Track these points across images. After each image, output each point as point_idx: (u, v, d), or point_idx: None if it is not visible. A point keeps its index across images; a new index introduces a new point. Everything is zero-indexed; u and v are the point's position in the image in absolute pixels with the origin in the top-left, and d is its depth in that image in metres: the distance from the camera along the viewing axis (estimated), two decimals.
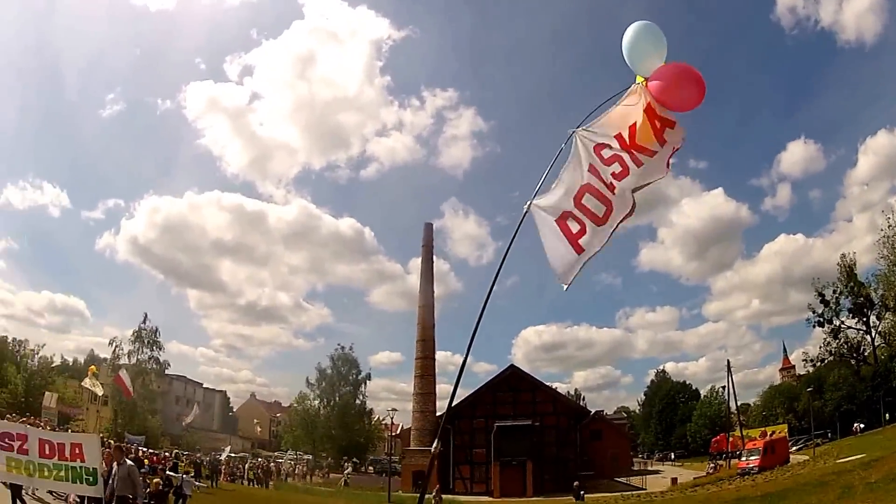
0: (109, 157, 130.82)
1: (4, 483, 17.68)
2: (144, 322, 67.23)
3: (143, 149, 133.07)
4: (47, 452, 13.85)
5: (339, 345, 78.35)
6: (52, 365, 76.79)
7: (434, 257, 59.76)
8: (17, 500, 14.41)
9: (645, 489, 39.39)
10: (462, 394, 59.37)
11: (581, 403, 75.71)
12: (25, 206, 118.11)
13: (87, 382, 22.03)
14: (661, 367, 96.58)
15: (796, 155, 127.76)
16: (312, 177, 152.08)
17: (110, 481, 13.28)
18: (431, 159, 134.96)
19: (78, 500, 15.75)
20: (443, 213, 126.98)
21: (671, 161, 5.49)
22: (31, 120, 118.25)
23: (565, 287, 5.47)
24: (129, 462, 13.60)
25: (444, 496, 38.43)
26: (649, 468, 58.14)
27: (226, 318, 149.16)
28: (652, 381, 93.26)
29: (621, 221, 5.38)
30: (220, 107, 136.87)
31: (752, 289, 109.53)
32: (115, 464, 13.45)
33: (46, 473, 13.87)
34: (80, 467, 13.85)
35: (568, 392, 75.49)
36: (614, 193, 5.40)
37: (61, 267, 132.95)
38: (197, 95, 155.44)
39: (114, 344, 67.19)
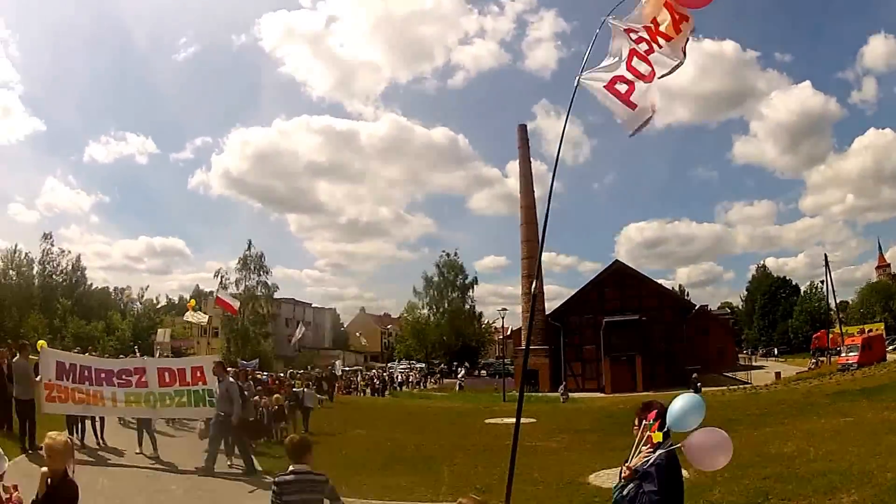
0: (190, 98, 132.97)
1: (127, 421, 18.13)
2: (249, 249, 69.38)
3: (223, 85, 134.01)
4: (167, 380, 14.12)
5: (443, 251, 79.47)
6: (158, 306, 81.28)
7: (531, 159, 58.69)
8: (144, 433, 14.42)
9: (751, 383, 40.09)
10: (567, 293, 59.02)
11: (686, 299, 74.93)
12: (111, 159, 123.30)
13: (188, 316, 22.31)
14: (762, 263, 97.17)
15: (878, 49, 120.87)
16: (400, 91, 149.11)
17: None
18: (518, 63, 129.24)
19: (203, 425, 15.90)
20: (535, 115, 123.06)
21: (685, 49, 6.75)
22: (106, 75, 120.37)
23: (630, 134, 6.80)
24: (230, 379, 13.72)
25: (552, 394, 38.67)
26: (753, 364, 58.61)
27: (328, 238, 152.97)
28: (753, 276, 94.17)
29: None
30: (296, 34, 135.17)
31: (845, 183, 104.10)
32: (217, 381, 13.64)
33: (168, 402, 14.13)
34: (203, 390, 14.06)
35: (672, 288, 74.48)
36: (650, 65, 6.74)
37: (155, 211, 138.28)
38: (272, 27, 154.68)
39: (220, 275, 69.66)
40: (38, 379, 13.49)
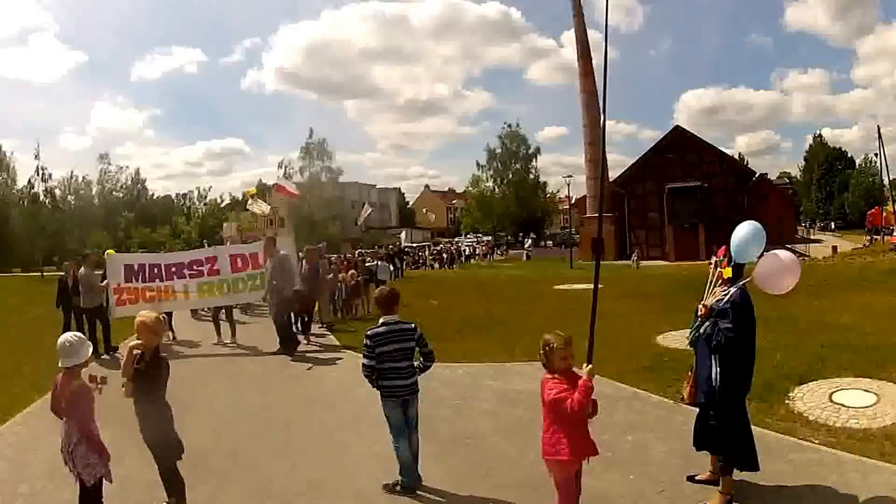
0: (232, 4, 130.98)
1: (200, 314, 18.46)
2: (311, 136, 70.22)
3: None
4: (240, 265, 14.20)
5: (505, 123, 78.58)
6: (223, 205, 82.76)
7: (587, 29, 56.25)
8: (222, 322, 14.63)
9: (809, 256, 39.96)
10: (629, 161, 57.86)
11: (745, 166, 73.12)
12: (159, 74, 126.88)
13: (250, 205, 22.13)
14: (818, 133, 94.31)
15: None
16: None
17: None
18: None
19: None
20: None
21: None
22: None
23: None
24: (281, 252, 13.71)
25: (618, 262, 38.76)
26: (811, 237, 58.55)
27: (388, 120, 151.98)
28: (810, 146, 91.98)
29: None
30: None
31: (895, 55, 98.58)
32: (268, 259, 13.57)
33: (241, 286, 14.23)
34: None
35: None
36: None
37: (211, 116, 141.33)
38: None
39: (283, 165, 71.04)
40: (104, 284, 13.57)
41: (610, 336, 12.77)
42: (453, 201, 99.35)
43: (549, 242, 68.14)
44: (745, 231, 5.34)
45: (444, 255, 51.14)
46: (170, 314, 14.59)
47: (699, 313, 5.38)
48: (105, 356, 12.85)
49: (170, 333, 14.44)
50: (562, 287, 23.94)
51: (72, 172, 73.08)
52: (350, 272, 19.53)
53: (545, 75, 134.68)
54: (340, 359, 12.29)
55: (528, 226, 71.78)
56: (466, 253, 56.73)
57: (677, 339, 11.09)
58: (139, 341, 5.42)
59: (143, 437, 5.46)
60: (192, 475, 5.90)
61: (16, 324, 16.49)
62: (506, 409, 8.46)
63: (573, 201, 62.29)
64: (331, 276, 17.52)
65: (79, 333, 5.22)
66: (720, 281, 5.36)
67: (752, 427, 6.52)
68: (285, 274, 13.33)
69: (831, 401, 7.52)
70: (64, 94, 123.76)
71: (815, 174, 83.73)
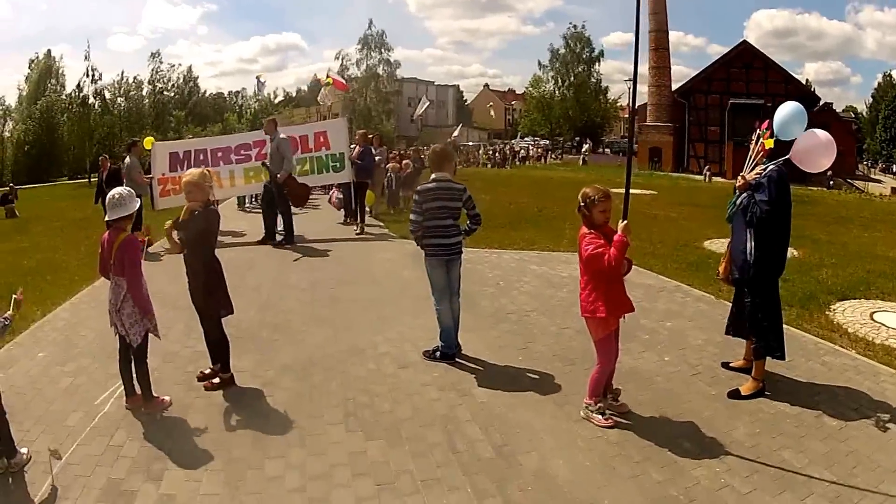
0: None
1: (246, 202, 18.07)
2: (369, 27, 68.37)
3: None
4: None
5: (570, 24, 75.51)
6: (277, 100, 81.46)
7: None
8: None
9: (865, 192, 37.75)
10: (691, 73, 55.35)
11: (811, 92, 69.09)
12: None
13: (322, 96, 21.33)
14: (888, 72, 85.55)
15: None
16: None
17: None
18: None
19: (341, 196, 15.69)
20: None
21: None
22: None
23: None
24: (281, 136, 12.54)
25: (673, 173, 37.74)
26: (871, 176, 56.09)
27: (449, 16, 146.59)
28: (879, 84, 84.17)
29: None
30: None
31: None
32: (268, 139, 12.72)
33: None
34: (326, 156, 13.69)
35: None
36: None
37: (267, 10, 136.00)
38: None
39: (340, 57, 69.05)
40: (148, 177, 13.07)
41: (658, 236, 12.83)
42: (512, 102, 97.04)
43: (608, 150, 66.53)
44: (789, 109, 5.16)
45: (497, 155, 50.57)
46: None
47: (737, 185, 5.29)
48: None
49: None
50: (614, 191, 23.39)
51: (122, 73, 70.64)
52: (404, 161, 19.16)
53: None
54: (390, 244, 12.35)
55: (586, 131, 69.82)
56: (522, 154, 55.87)
57: (724, 246, 10.93)
58: (191, 203, 5.35)
59: (191, 295, 5.56)
60: (237, 346, 6.13)
61: (62, 226, 16.48)
62: (549, 290, 8.59)
63: (635, 107, 60.34)
64: (382, 164, 16.92)
65: (129, 188, 5.22)
66: (761, 155, 5.23)
67: (790, 327, 6.55)
68: (277, 158, 12.45)
69: (872, 319, 7.40)
70: None
71: (882, 113, 78.80)
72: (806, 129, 5.12)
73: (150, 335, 5.10)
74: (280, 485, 4.06)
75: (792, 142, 5.11)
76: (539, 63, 73.86)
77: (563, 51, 71.61)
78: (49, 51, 65.42)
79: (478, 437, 4.60)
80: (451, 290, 6.23)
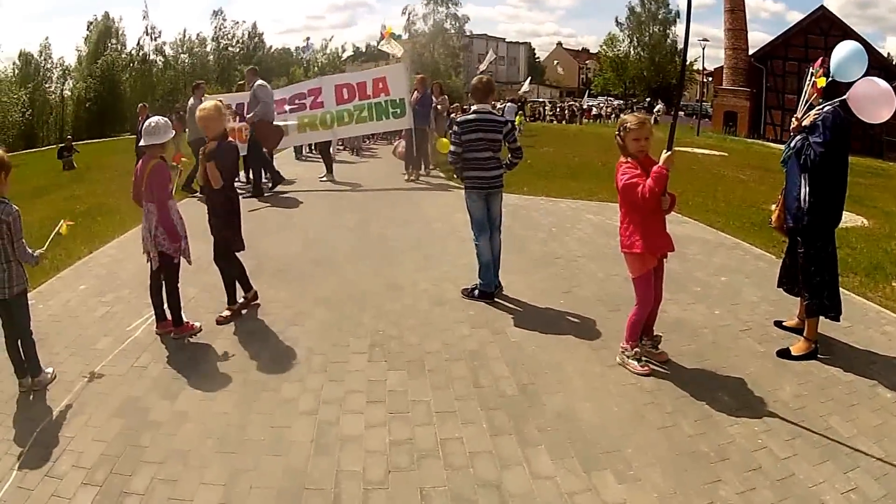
0: None
1: (304, 151, 17.46)
2: None
3: None
4: (346, 97, 12.94)
5: None
6: (344, 56, 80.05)
7: None
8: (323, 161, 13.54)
9: None
10: (765, 38, 52.15)
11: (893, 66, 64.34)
12: None
13: (384, 45, 20.66)
14: None
15: None
16: None
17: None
18: None
19: (402, 144, 14.72)
20: None
21: None
22: None
23: None
24: (258, 81, 12.08)
25: (748, 140, 35.87)
26: None
27: None
28: None
29: None
30: None
31: None
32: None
33: (347, 119, 12.96)
34: (386, 101, 12.91)
35: None
36: None
37: None
38: None
39: (406, 12, 66.36)
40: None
41: (723, 195, 12.12)
42: (586, 62, 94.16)
43: (681, 113, 64.07)
44: (848, 48, 4.56)
45: (566, 112, 49.30)
46: (271, 155, 13.60)
47: (791, 128, 4.75)
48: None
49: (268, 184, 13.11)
50: (683, 149, 22.59)
51: (184, 30, 71.44)
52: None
53: None
54: (447, 192, 11.83)
55: (660, 92, 67.26)
56: (593, 112, 54.02)
57: None
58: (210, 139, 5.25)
59: (212, 230, 5.44)
60: (275, 279, 6.16)
61: (117, 175, 15.95)
62: (602, 238, 8.15)
63: (709, 71, 57.71)
64: (444, 112, 15.68)
65: (164, 118, 5.05)
66: (815, 97, 4.66)
67: (852, 294, 5.98)
68: (254, 105, 11.95)
69: None
70: None
71: None
72: (865, 75, 4.50)
73: (181, 262, 5.08)
74: (293, 407, 3.95)
75: (850, 85, 4.49)
76: (616, 20, 71.40)
77: (639, 9, 68.86)
78: (107, 12, 64.83)
79: (504, 373, 4.33)
80: (492, 225, 5.92)
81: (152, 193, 4.83)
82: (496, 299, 5.81)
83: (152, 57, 59.37)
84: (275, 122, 12.26)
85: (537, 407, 3.89)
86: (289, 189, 12.26)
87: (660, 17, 68.71)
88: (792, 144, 4.69)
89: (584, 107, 53.75)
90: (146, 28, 61.68)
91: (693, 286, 6.22)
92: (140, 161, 5.00)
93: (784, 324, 5.21)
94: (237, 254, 5.52)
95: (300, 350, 4.79)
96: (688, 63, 69.68)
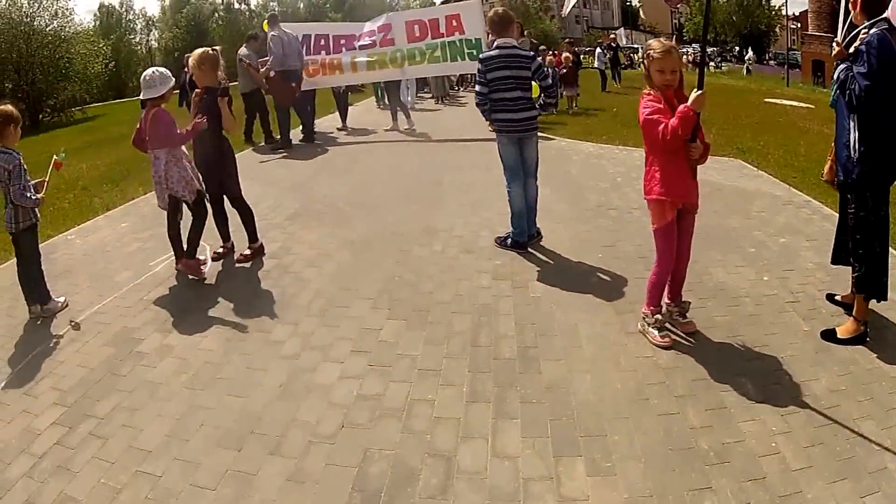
0: None
1: (384, 98, 15.93)
2: None
3: None
4: (417, 35, 11.69)
5: None
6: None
7: None
8: (398, 110, 12.77)
9: None
10: None
11: None
12: None
13: None
14: None
15: None
16: None
17: None
18: None
19: None
20: None
21: None
22: None
23: None
24: (272, 33, 10.89)
25: None
26: None
27: None
28: None
29: None
30: None
31: None
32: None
33: (419, 58, 11.70)
34: (460, 41, 11.38)
35: None
36: None
37: None
38: None
39: None
40: (264, 70, 11.10)
41: (805, 149, 10.93)
42: (678, 6, 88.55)
43: (772, 62, 59.41)
44: None
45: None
46: (345, 108, 13.20)
47: (833, 54, 3.80)
48: (265, 145, 11.13)
49: (342, 124, 12.92)
50: (772, 100, 20.84)
51: None
52: (564, 54, 16.27)
53: None
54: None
55: (750, 39, 62.52)
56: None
57: None
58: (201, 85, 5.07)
59: (205, 182, 5.18)
60: (312, 220, 6.09)
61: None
62: None
63: (796, 14, 52.87)
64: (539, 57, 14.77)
65: (163, 69, 4.87)
66: (853, 14, 3.72)
67: None
68: (280, 56, 10.79)
69: None
70: None
71: None
72: None
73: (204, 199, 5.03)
74: (276, 350, 3.76)
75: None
76: None
77: None
78: None
79: (508, 332, 3.87)
80: (526, 171, 5.33)
81: (158, 141, 4.71)
82: (530, 249, 5.30)
83: (237, 6, 59.39)
84: (339, 57, 11.72)
85: (530, 374, 3.43)
86: (357, 139, 11.75)
87: None
88: (835, 77, 3.74)
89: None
90: None
91: (748, 246, 5.45)
92: (144, 113, 4.83)
93: (836, 298, 4.31)
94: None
95: (307, 292, 4.56)
96: (774, 9, 64.86)
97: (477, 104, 5.32)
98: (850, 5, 3.76)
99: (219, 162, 5.13)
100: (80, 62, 32.78)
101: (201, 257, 5.12)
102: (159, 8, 66.38)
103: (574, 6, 33.79)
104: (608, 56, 22.55)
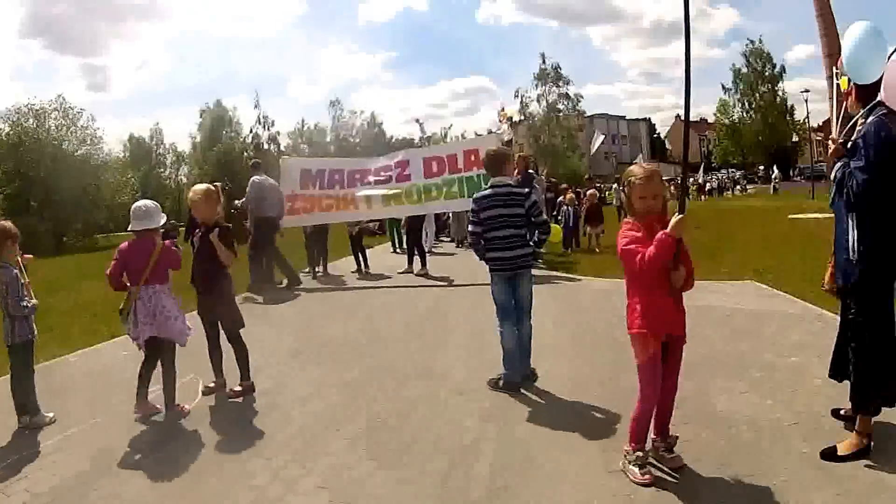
0: None
1: (401, 244, 16.00)
2: (543, 62, 63.28)
3: None
4: (434, 170, 11.56)
5: (748, 40, 69.61)
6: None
7: None
8: (415, 251, 12.47)
9: None
10: None
11: None
12: (390, 16, 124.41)
13: (501, 128, 20.03)
14: None
15: None
16: None
17: None
18: None
19: None
20: None
21: None
22: None
23: None
24: (254, 178, 11.37)
25: None
26: None
27: (635, 46, 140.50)
28: None
29: None
30: None
31: None
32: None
33: (435, 194, 11.45)
34: (478, 176, 10.97)
35: None
36: None
37: (450, 53, 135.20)
38: None
39: (519, 95, 63.45)
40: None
41: (819, 258, 10.77)
42: (705, 132, 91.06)
43: (799, 177, 59.10)
44: (854, 32, 3.49)
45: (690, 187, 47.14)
46: (364, 252, 13.12)
47: (829, 153, 3.69)
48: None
49: (362, 268, 12.91)
50: (796, 216, 20.88)
51: (302, 121, 71.77)
52: (590, 192, 16.79)
53: None
54: (545, 285, 10.10)
55: (778, 156, 62.80)
56: (707, 187, 50.52)
57: None
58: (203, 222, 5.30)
59: (208, 312, 5.48)
60: (311, 359, 6.47)
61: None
62: None
63: (820, 125, 53.34)
64: (544, 194, 14.50)
65: (154, 202, 5.11)
66: (846, 106, 3.65)
67: None
68: (256, 201, 11.15)
69: None
70: (288, 44, 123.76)
71: None
72: (884, 52, 3.40)
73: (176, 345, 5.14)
74: (246, 481, 3.89)
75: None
76: (722, 85, 68.52)
77: (745, 69, 65.90)
78: (219, 100, 67.50)
79: (482, 474, 3.77)
80: (519, 310, 5.35)
81: (164, 275, 4.93)
82: (523, 390, 5.22)
83: (266, 146, 61.32)
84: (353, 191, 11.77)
85: None
86: (370, 283, 11.79)
87: (766, 74, 65.53)
88: (832, 176, 3.60)
89: (700, 181, 50.80)
90: (258, 117, 64.06)
91: (755, 371, 5.26)
92: (128, 244, 4.96)
93: (842, 412, 4.03)
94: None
95: (289, 429, 4.67)
96: (800, 122, 65.37)
97: (470, 244, 5.49)
98: (843, 97, 3.74)
99: (230, 295, 5.46)
100: (108, 191, 34.34)
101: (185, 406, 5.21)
102: (190, 144, 69.05)
103: (601, 144, 34.69)
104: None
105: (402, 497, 3.56)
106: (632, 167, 3.70)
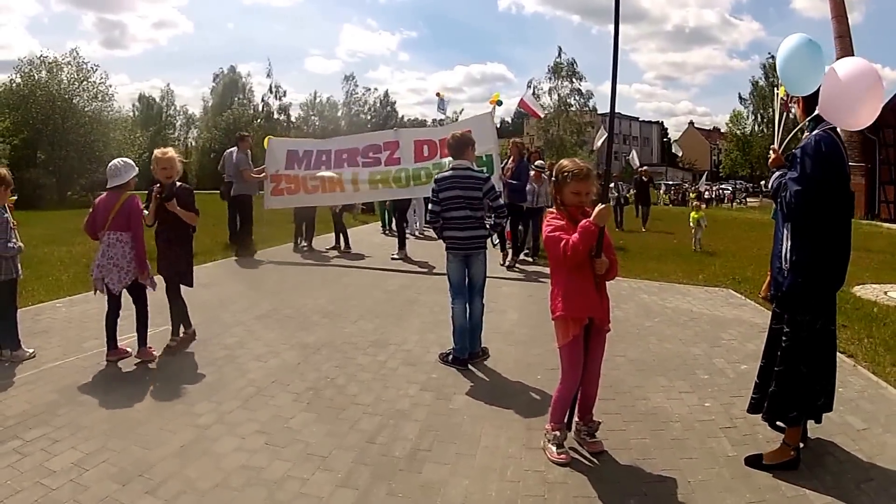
0: None
1: (390, 225, 15.93)
2: (559, 56, 62.16)
3: None
4: (425, 154, 11.24)
5: (769, 54, 69.04)
6: None
7: None
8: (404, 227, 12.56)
9: None
10: None
11: None
12: None
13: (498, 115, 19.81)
14: None
15: None
16: None
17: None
18: None
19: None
20: None
21: None
22: None
23: None
24: (234, 151, 11.74)
25: (863, 220, 31.85)
26: None
27: (654, 49, 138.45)
28: None
29: None
30: None
31: None
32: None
33: (424, 178, 10.82)
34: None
35: None
36: None
37: (469, 39, 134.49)
38: None
39: (531, 85, 61.60)
40: (261, 175, 11.88)
41: None
42: (717, 142, 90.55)
43: None
44: (788, 44, 3.55)
45: (677, 196, 47.78)
46: (345, 231, 13.02)
47: (769, 162, 3.79)
48: (236, 258, 11.23)
49: (341, 246, 12.88)
50: None
51: (315, 93, 71.16)
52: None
53: (811, 5, 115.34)
54: (529, 283, 9.85)
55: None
56: (707, 196, 49.47)
57: (874, 293, 9.18)
58: (159, 181, 5.58)
59: (165, 265, 5.77)
60: (276, 323, 6.81)
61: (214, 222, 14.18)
62: (638, 319, 7.43)
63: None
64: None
65: (127, 159, 5.48)
66: (789, 116, 3.81)
67: (880, 380, 5.10)
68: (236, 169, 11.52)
69: None
70: (308, 17, 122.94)
71: None
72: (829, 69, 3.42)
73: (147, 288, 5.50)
74: (192, 420, 4.28)
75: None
76: (739, 95, 68.21)
77: (761, 82, 65.42)
78: (233, 66, 67.26)
79: (408, 436, 4.04)
80: (473, 287, 5.58)
81: (127, 223, 5.22)
82: (472, 367, 5.44)
83: (276, 116, 61.42)
84: (340, 172, 11.63)
85: (410, 473, 3.56)
86: (353, 262, 11.66)
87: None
88: (770, 186, 3.64)
89: (701, 189, 50.40)
90: (270, 86, 63.84)
91: (702, 374, 5.33)
92: (101, 198, 5.34)
93: (778, 423, 3.85)
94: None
95: (242, 381, 5.05)
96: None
97: (428, 222, 5.70)
98: (789, 105, 3.90)
99: (187, 249, 5.84)
100: (115, 148, 34.03)
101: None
102: (201, 107, 68.94)
103: (604, 141, 34.17)
104: (627, 191, 22.58)
105: (327, 447, 3.88)
106: (563, 161, 3.87)
